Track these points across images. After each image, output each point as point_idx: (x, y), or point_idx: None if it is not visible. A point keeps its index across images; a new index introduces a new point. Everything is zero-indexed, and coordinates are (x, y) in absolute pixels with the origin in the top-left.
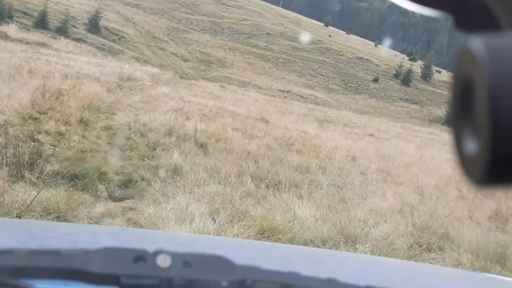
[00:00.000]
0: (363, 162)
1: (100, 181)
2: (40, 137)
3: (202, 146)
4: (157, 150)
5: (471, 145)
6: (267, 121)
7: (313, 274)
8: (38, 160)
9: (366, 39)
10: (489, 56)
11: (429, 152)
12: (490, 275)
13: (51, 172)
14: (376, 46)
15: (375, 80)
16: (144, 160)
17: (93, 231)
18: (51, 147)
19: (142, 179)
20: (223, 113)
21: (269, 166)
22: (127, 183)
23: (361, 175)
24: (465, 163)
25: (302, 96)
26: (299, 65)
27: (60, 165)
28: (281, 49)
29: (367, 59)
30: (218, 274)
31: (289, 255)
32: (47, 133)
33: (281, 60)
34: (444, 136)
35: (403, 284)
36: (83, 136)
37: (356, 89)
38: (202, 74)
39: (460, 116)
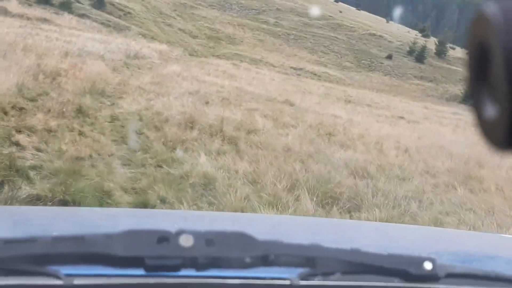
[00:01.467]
0: (420, 156)
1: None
2: (20, 138)
3: (231, 141)
4: (178, 150)
5: (491, 110)
6: (292, 103)
7: (335, 246)
8: (10, 179)
9: (376, 15)
10: (503, 18)
11: (475, 138)
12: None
13: (26, 200)
14: (387, 22)
15: (389, 57)
16: (162, 167)
17: (113, 213)
18: (34, 153)
19: (162, 200)
20: (243, 95)
21: (321, 169)
22: (141, 208)
23: (430, 177)
24: (486, 128)
25: (315, 74)
26: (310, 42)
27: (43, 185)
28: (291, 25)
29: (379, 36)
30: (241, 250)
31: (309, 227)
32: (32, 130)
33: (292, 37)
34: (469, 117)
35: (425, 251)
36: (81, 133)
37: (369, 66)
38: (211, 51)
39: (477, 81)
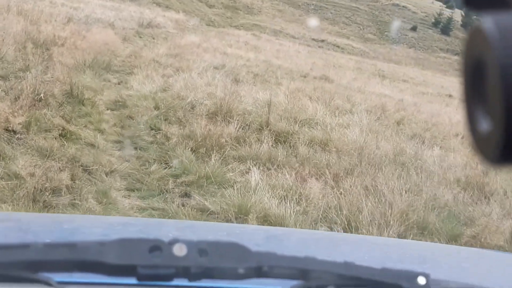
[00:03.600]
0: None
1: None
2: None
3: (285, 140)
4: (213, 161)
5: (484, 124)
6: (330, 80)
7: (329, 259)
8: None
9: None
10: (500, 35)
11: None
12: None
13: None
14: None
15: (413, 28)
16: (191, 195)
17: (107, 222)
18: None
19: None
20: (275, 70)
21: (429, 190)
22: None
23: None
24: (478, 142)
25: (338, 46)
26: (331, 12)
27: None
28: None
29: (403, 6)
30: (234, 261)
31: (304, 240)
32: None
33: (312, 7)
34: None
35: (419, 265)
36: (65, 134)
37: (393, 38)
38: (229, 21)
39: (472, 95)
